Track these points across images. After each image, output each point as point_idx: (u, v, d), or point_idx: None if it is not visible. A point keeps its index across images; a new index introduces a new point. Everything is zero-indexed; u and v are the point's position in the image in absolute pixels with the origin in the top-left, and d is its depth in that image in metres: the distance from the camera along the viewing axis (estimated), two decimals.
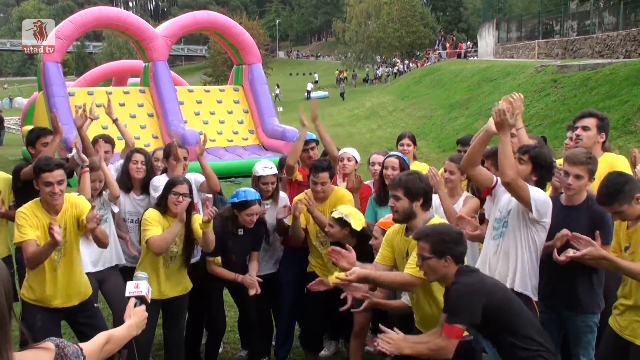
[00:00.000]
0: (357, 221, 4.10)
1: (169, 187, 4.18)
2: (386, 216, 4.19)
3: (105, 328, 4.26)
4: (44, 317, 3.87)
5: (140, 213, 4.64)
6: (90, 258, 4.36)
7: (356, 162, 5.06)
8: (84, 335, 3.96)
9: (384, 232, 3.89)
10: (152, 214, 4.17)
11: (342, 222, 4.09)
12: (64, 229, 3.84)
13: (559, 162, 3.95)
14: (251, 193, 4.43)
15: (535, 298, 3.54)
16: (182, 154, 4.77)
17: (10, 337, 1.65)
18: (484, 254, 3.80)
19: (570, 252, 3.23)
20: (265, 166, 4.75)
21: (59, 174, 3.76)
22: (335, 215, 4.14)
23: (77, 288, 3.97)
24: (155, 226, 4.10)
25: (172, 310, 4.40)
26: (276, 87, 40.60)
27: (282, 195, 4.88)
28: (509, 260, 3.61)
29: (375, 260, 3.75)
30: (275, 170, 4.78)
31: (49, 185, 3.74)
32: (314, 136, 5.16)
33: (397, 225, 3.64)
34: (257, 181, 4.73)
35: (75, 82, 19.86)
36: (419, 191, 3.45)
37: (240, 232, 4.52)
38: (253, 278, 4.51)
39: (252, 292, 4.44)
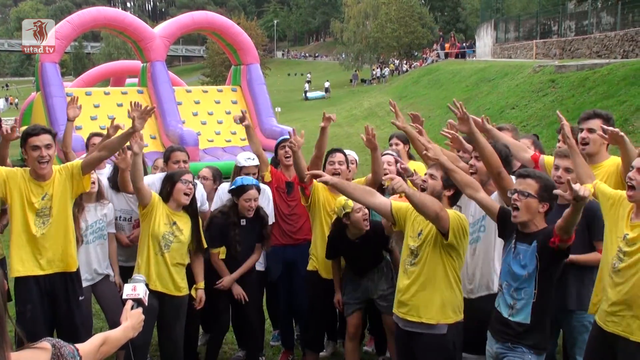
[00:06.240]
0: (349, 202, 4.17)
1: (177, 176, 4.14)
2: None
3: (90, 325, 4.25)
4: (34, 307, 3.79)
5: (133, 211, 4.64)
6: (84, 275, 4.27)
7: (347, 165, 4.81)
8: (69, 329, 3.92)
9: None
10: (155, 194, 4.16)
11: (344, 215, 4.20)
12: (51, 198, 3.77)
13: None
14: (248, 179, 4.47)
15: None
16: (182, 157, 4.64)
17: (7, 336, 1.65)
18: None
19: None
20: (248, 157, 4.76)
21: (46, 138, 3.69)
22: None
23: (61, 255, 3.85)
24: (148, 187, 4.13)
25: (166, 320, 4.23)
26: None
27: (263, 186, 4.79)
28: (490, 262, 3.64)
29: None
30: (257, 162, 4.78)
31: (36, 149, 3.65)
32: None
33: None
34: (239, 172, 4.73)
35: (73, 83, 19.78)
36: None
37: (243, 222, 4.51)
38: (239, 291, 4.56)
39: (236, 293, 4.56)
